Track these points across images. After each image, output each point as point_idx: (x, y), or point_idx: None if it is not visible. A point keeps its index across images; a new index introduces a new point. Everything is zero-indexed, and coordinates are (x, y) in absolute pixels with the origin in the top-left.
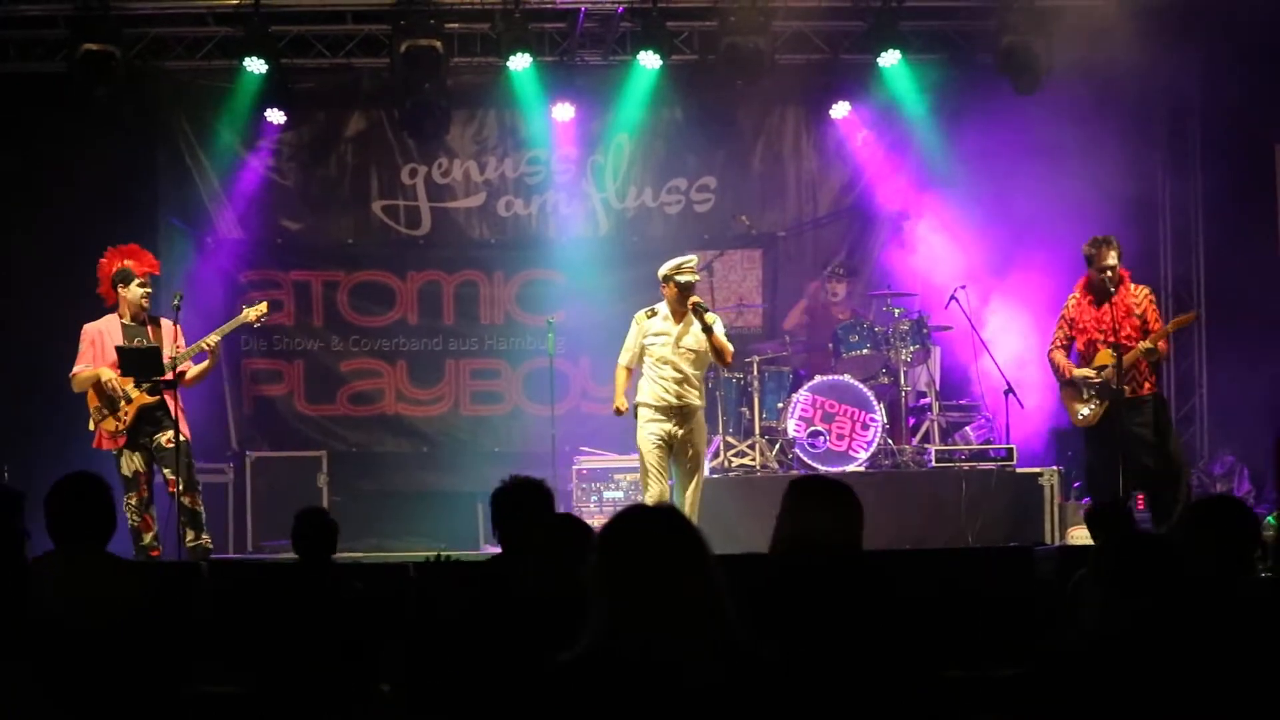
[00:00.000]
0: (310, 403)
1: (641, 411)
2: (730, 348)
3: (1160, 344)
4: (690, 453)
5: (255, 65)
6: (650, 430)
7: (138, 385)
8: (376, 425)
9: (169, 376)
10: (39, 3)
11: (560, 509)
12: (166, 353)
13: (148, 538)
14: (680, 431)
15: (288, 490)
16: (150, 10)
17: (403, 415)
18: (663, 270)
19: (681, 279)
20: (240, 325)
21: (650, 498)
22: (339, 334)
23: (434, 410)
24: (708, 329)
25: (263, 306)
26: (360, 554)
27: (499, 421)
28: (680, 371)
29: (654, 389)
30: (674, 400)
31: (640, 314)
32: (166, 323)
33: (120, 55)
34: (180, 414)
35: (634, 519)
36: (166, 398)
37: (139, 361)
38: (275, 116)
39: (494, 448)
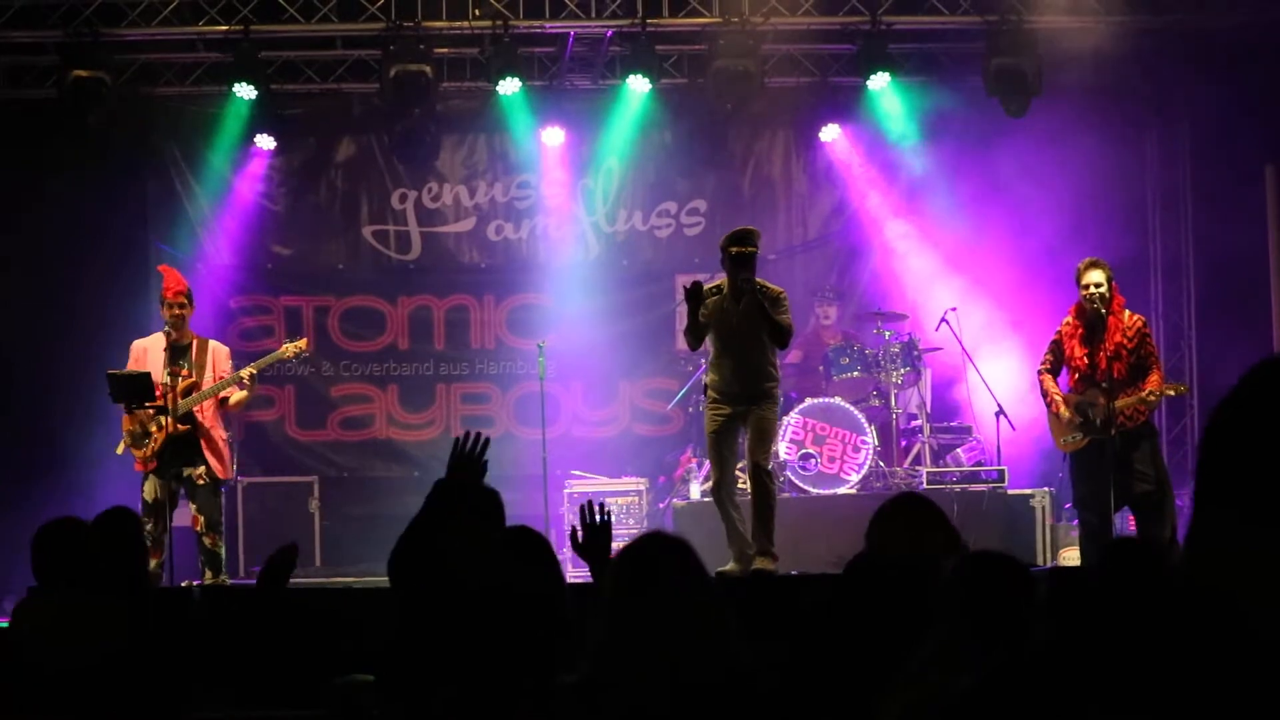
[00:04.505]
0: (301, 428)
1: (707, 394)
2: (788, 327)
3: (1150, 399)
4: (753, 430)
5: (245, 91)
6: (710, 415)
7: (128, 411)
8: (367, 450)
9: (160, 402)
10: (29, 29)
11: (552, 533)
12: (209, 379)
13: (153, 564)
14: (747, 412)
15: (279, 515)
16: (140, 37)
17: (393, 440)
18: (722, 240)
19: (734, 250)
20: (278, 360)
21: (712, 489)
22: (330, 359)
23: (425, 435)
24: (760, 306)
25: (302, 343)
26: (352, 579)
27: (490, 446)
28: (741, 354)
29: (713, 373)
30: (735, 387)
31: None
32: (216, 346)
33: (110, 82)
34: (220, 449)
35: (641, 551)
36: (199, 432)
37: (128, 387)
38: (265, 142)
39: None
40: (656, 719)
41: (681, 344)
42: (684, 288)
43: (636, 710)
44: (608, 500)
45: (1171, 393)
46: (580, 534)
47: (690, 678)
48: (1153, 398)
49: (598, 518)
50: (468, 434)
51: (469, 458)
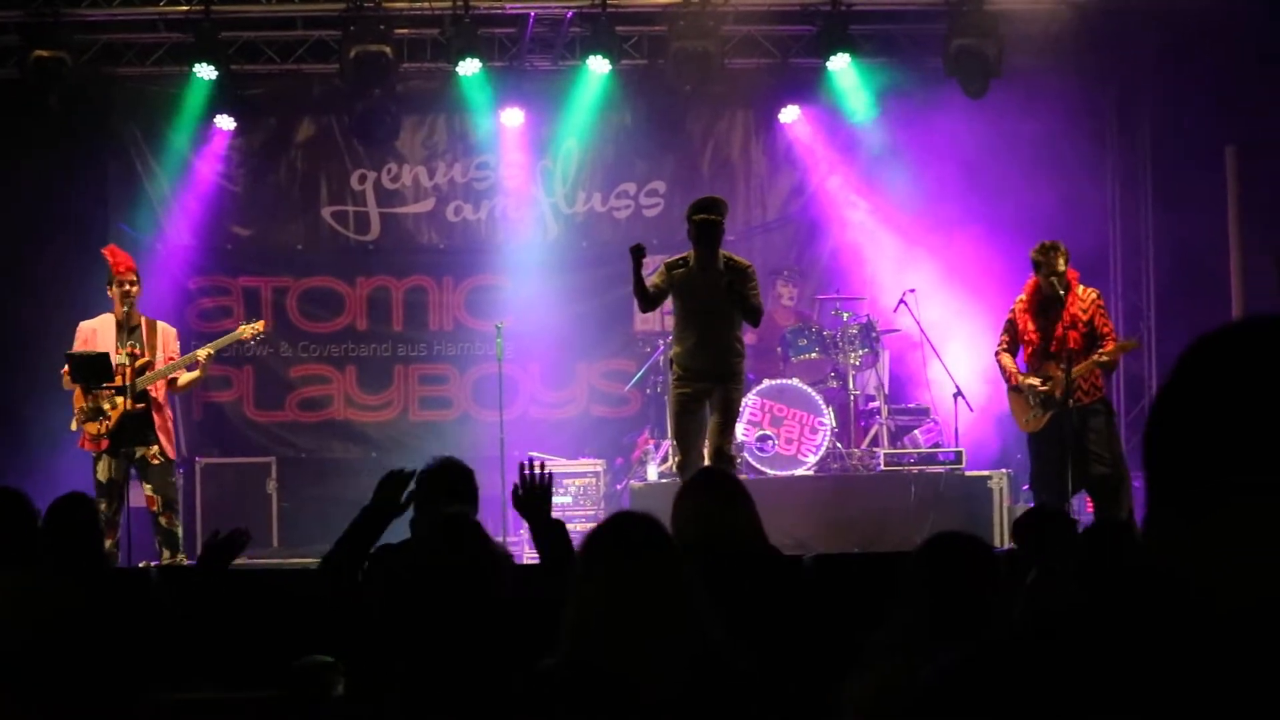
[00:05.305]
0: (259, 409)
1: (673, 368)
2: (759, 307)
3: (1108, 359)
4: (718, 412)
5: (205, 71)
6: (675, 395)
7: (87, 392)
8: (326, 431)
9: (119, 382)
10: None
11: (508, 514)
12: (160, 359)
13: (108, 543)
14: (712, 390)
15: (237, 497)
16: (101, 17)
17: (352, 421)
18: (687, 209)
19: (699, 218)
20: (235, 341)
21: (677, 466)
22: (288, 340)
23: (383, 416)
24: (730, 283)
25: (259, 324)
26: (309, 560)
27: (448, 427)
28: (706, 328)
29: (677, 346)
30: (701, 363)
31: (669, 260)
32: (164, 327)
33: (71, 62)
34: (169, 428)
35: (614, 527)
36: (154, 411)
37: (88, 367)
38: (225, 123)
39: (442, 453)
40: (631, 698)
41: (640, 325)
42: (630, 249)
43: (611, 690)
44: (565, 481)
45: (1128, 348)
46: (520, 490)
47: (662, 655)
48: (1105, 358)
49: (537, 476)
50: (403, 470)
51: (399, 485)
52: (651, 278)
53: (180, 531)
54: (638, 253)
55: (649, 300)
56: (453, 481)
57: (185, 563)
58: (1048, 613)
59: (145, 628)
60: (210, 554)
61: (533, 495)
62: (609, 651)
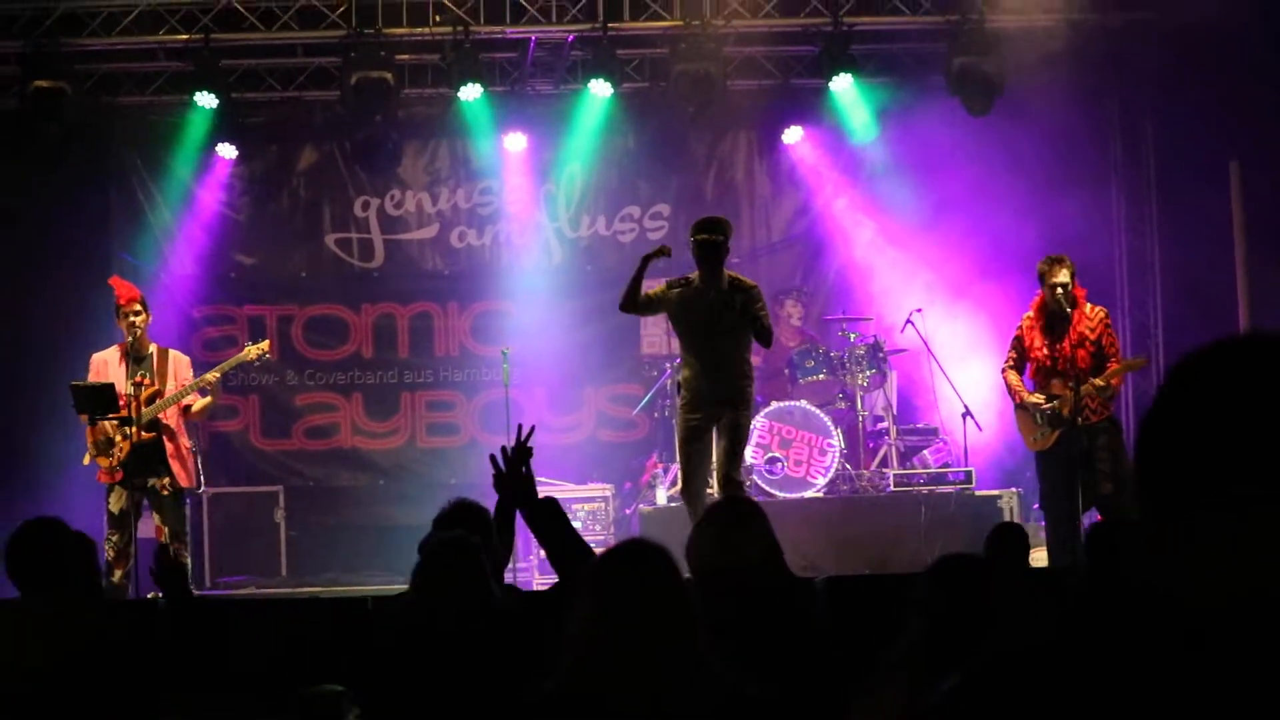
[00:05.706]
0: (266, 437)
1: (681, 393)
2: (770, 326)
3: (1114, 381)
4: (726, 437)
5: (206, 100)
6: (682, 420)
7: (91, 423)
8: (333, 459)
9: (124, 413)
10: None
11: (517, 540)
12: (172, 387)
13: (118, 575)
14: (720, 415)
15: (245, 525)
16: (101, 46)
17: (359, 448)
18: (690, 229)
19: (701, 238)
20: (240, 363)
21: (681, 491)
22: (294, 368)
23: (390, 443)
24: (741, 304)
25: (265, 344)
26: (318, 588)
27: (455, 453)
28: (709, 351)
29: (686, 374)
30: (704, 386)
31: (672, 279)
32: (176, 355)
33: (71, 92)
34: (185, 456)
35: (621, 555)
36: (165, 440)
37: (92, 399)
38: (227, 151)
39: (450, 479)
40: None
41: (647, 348)
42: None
43: (614, 717)
44: (573, 506)
45: (1134, 366)
46: (501, 469)
47: (666, 683)
48: (1116, 380)
49: (516, 448)
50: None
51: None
52: (651, 289)
53: (189, 563)
54: (662, 250)
55: (633, 303)
56: (469, 526)
57: (193, 594)
58: (1048, 632)
59: (153, 657)
60: (164, 582)
61: (511, 470)
62: (614, 678)
